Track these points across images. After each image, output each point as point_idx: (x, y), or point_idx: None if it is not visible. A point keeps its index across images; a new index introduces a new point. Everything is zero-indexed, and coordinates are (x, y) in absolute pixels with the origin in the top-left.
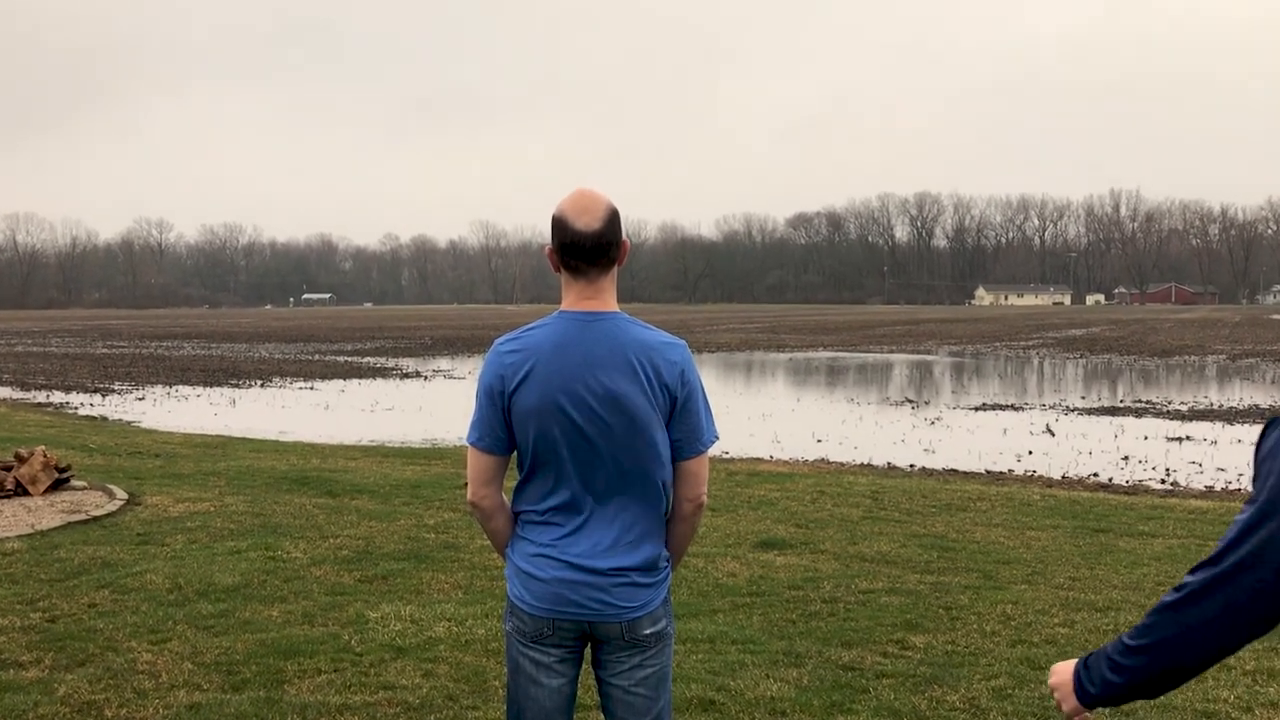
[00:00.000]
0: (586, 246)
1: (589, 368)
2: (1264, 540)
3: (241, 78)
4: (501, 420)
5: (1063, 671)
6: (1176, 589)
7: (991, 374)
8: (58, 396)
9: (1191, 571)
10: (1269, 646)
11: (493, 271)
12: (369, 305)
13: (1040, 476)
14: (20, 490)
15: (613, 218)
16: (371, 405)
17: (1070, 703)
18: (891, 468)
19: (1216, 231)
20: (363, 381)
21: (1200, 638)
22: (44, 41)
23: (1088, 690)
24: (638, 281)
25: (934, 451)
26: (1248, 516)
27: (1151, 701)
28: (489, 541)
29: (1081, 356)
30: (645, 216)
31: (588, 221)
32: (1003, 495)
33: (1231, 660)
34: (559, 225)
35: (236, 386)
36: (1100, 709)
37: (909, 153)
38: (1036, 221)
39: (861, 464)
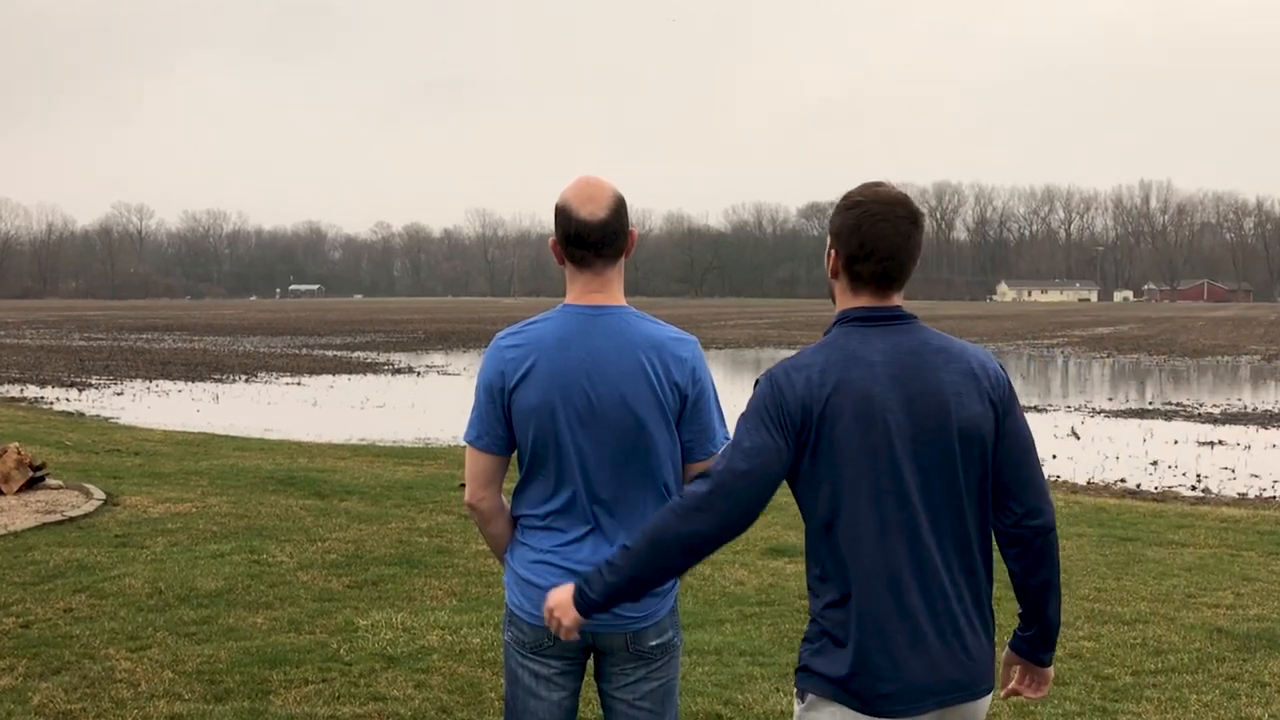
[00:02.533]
0: (592, 237)
1: (594, 365)
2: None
3: (227, 58)
4: (501, 418)
5: (560, 593)
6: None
7: (1013, 374)
8: (32, 391)
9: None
10: None
11: (489, 263)
12: (359, 297)
13: (1064, 482)
14: None
15: (619, 206)
16: (362, 402)
17: (570, 615)
18: None
19: (1252, 225)
20: (352, 377)
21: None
22: (18, 20)
23: (589, 598)
24: (641, 274)
25: None
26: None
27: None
28: (485, 545)
29: (1108, 356)
30: (650, 206)
31: (592, 210)
32: None
33: (1266, 676)
34: (562, 215)
35: (220, 381)
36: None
37: (928, 140)
38: (1062, 214)
39: None
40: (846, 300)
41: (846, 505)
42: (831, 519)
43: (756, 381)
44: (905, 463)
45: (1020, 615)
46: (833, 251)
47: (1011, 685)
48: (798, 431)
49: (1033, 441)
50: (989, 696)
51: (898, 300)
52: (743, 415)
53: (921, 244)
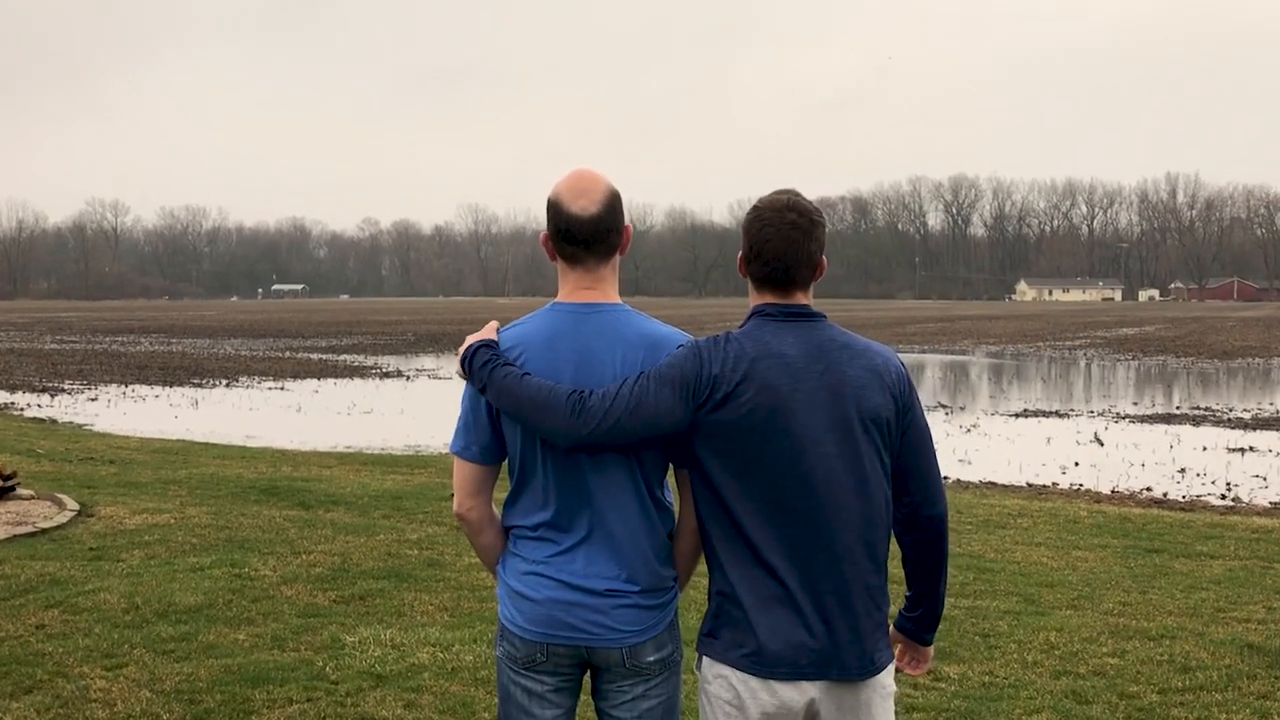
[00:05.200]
0: (583, 233)
1: (584, 365)
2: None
3: (206, 47)
4: (489, 425)
5: (476, 338)
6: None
7: (1034, 376)
8: (1, 396)
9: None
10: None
11: (482, 260)
12: (345, 297)
13: (1087, 490)
14: None
15: (613, 200)
16: (348, 408)
17: (458, 366)
18: None
19: None
20: (339, 381)
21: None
22: None
23: (465, 368)
24: (642, 272)
25: (970, 462)
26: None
27: None
28: (478, 558)
29: (1133, 358)
30: (651, 200)
31: (585, 204)
32: (1046, 511)
33: (1242, 682)
34: (554, 209)
35: (199, 386)
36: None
37: (944, 132)
38: (1084, 209)
39: None
40: (754, 297)
41: (744, 486)
42: (729, 497)
43: (679, 345)
44: (808, 449)
45: (908, 597)
46: (740, 252)
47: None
48: (699, 405)
49: (930, 437)
50: (876, 679)
51: (803, 299)
52: (658, 371)
53: (813, 251)
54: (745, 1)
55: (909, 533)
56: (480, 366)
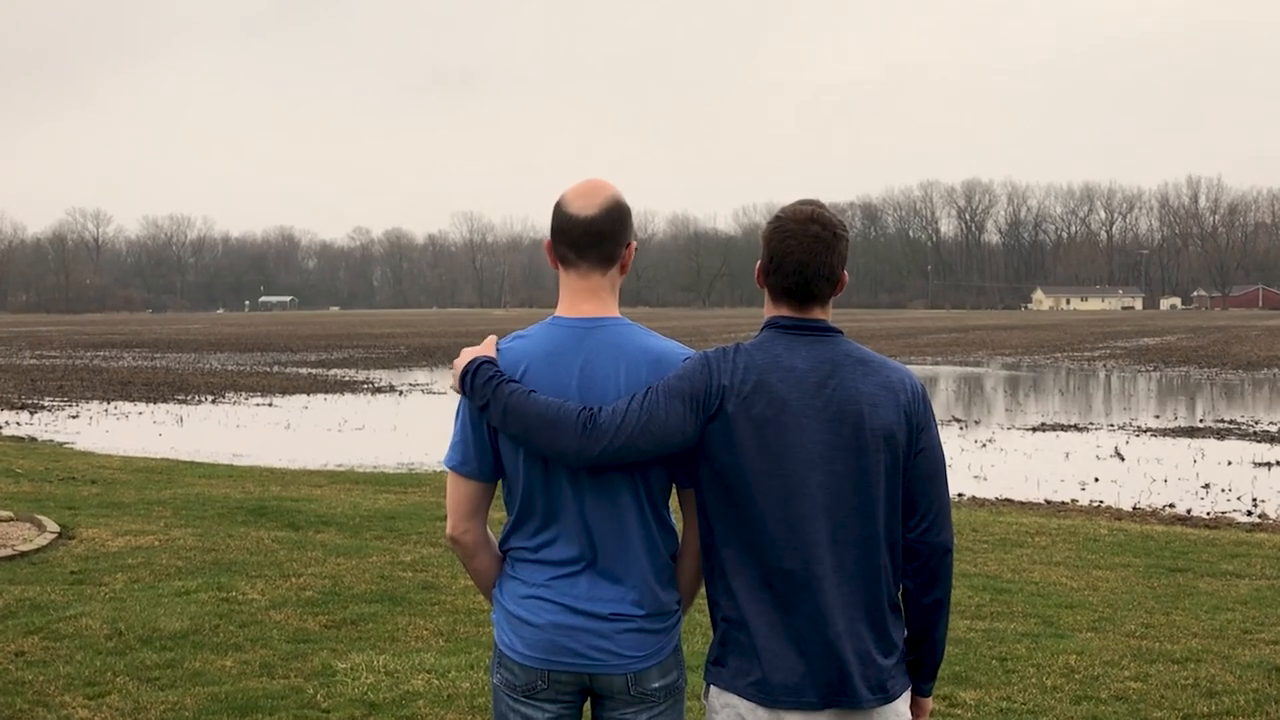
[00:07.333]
0: (575, 233)
1: (587, 382)
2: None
3: (191, 50)
4: (486, 442)
5: (472, 353)
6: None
7: (1051, 389)
8: None
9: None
10: None
11: (478, 270)
12: (336, 309)
13: (1108, 507)
14: None
15: (615, 208)
16: (339, 424)
17: (453, 381)
18: None
19: None
20: (329, 397)
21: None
22: None
23: (464, 385)
24: (644, 282)
25: (986, 478)
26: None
27: None
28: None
29: (1155, 369)
30: (653, 207)
31: (582, 206)
32: (1065, 529)
33: (1270, 706)
34: (556, 211)
35: (184, 403)
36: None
37: (956, 135)
38: (1103, 214)
39: None
40: (769, 308)
41: (749, 504)
42: (733, 517)
43: (685, 358)
44: (817, 466)
45: (906, 639)
46: (759, 261)
47: None
48: (710, 418)
49: (944, 462)
50: (888, 707)
51: (821, 314)
52: (667, 384)
53: (834, 265)
54: (749, 5)
55: (910, 560)
56: (484, 383)
